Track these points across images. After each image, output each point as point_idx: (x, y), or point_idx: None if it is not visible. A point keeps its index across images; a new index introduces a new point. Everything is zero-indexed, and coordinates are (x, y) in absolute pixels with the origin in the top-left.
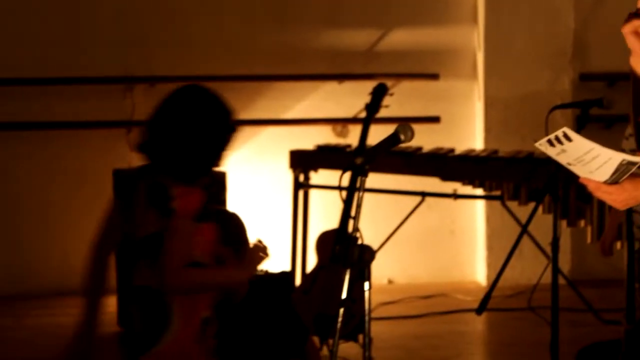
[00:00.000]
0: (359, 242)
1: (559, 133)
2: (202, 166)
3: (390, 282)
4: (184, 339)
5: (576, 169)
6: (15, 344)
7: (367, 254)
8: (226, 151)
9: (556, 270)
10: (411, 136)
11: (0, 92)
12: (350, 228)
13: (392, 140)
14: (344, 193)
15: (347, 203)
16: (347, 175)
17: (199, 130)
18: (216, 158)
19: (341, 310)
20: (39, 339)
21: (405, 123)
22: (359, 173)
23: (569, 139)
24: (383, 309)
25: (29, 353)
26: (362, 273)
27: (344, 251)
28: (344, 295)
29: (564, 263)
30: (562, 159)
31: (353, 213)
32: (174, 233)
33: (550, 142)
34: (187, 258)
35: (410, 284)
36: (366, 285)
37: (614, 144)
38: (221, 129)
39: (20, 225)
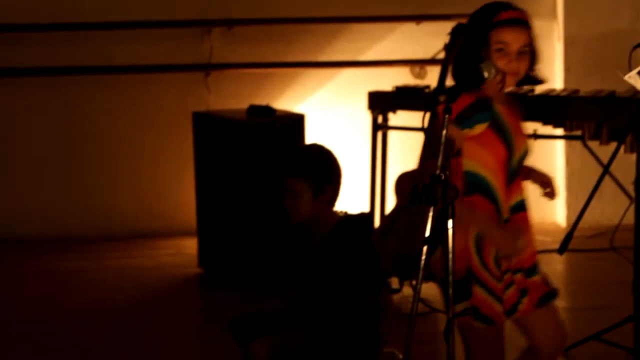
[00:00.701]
0: (443, 179)
1: None
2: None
3: None
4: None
5: None
6: (96, 285)
7: (451, 191)
8: None
9: (639, 210)
10: (495, 74)
11: (79, 36)
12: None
13: (475, 77)
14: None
15: (427, 143)
16: (427, 116)
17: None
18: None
19: (425, 248)
20: (119, 281)
21: (488, 60)
22: (443, 111)
23: None
24: None
25: (109, 294)
26: (445, 210)
27: (428, 189)
28: (427, 233)
29: None
30: None
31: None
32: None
33: None
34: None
35: None
36: (450, 222)
37: None
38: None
39: (101, 168)
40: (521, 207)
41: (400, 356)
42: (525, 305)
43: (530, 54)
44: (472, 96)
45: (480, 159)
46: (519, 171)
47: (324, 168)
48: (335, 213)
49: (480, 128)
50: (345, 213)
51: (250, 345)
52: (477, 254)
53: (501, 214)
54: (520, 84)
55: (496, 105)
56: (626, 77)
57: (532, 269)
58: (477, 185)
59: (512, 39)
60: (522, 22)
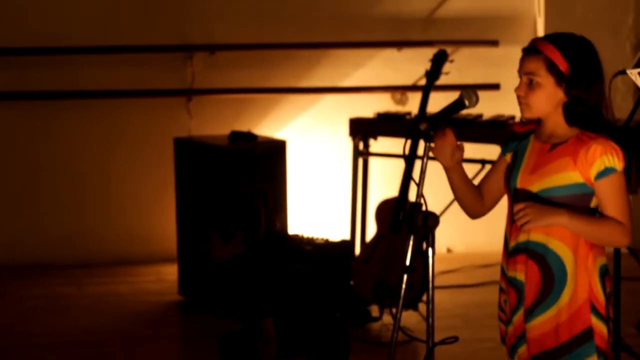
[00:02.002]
0: (423, 208)
1: None
2: None
3: (449, 250)
4: None
5: None
6: (78, 311)
7: (431, 220)
8: None
9: None
10: (476, 101)
11: (60, 60)
12: (411, 195)
13: (456, 105)
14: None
15: (407, 170)
16: (408, 143)
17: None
18: None
19: (405, 277)
20: (101, 307)
21: (469, 88)
22: (424, 139)
23: None
24: (442, 278)
25: (91, 321)
26: (426, 239)
27: (408, 217)
28: (407, 262)
29: None
30: None
31: (417, 179)
32: None
33: None
34: None
35: (469, 253)
36: (430, 251)
37: None
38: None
39: (81, 194)
40: (523, 249)
41: None
42: (524, 353)
43: (567, 87)
44: (525, 127)
45: None
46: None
47: (231, 216)
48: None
49: (508, 157)
50: (327, 240)
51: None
52: None
53: (507, 247)
54: (583, 126)
55: (533, 140)
56: (628, 72)
57: (530, 311)
58: None
59: (520, 68)
60: (531, 50)
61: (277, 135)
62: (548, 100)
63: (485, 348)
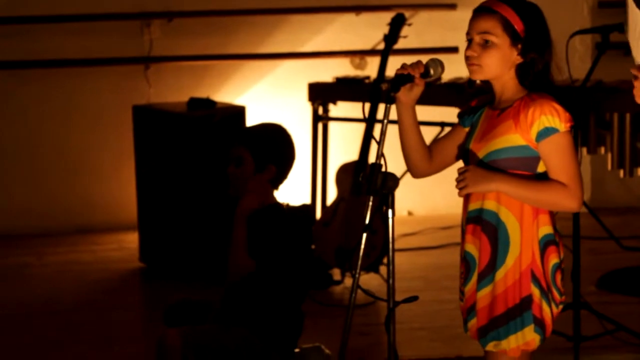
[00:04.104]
0: (383, 169)
1: None
2: None
3: (410, 213)
4: None
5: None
6: (38, 281)
7: (391, 181)
8: None
9: None
10: (441, 72)
11: (15, 30)
12: (371, 158)
13: (421, 74)
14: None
15: (367, 132)
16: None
17: None
18: None
19: (364, 236)
20: (61, 276)
21: (436, 58)
22: (385, 101)
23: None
24: (403, 240)
25: (51, 290)
26: (385, 200)
27: (368, 178)
28: (367, 221)
29: (584, 191)
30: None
31: (377, 140)
32: None
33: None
34: None
35: (429, 215)
36: (390, 212)
37: None
38: None
39: (40, 164)
40: (476, 218)
41: (327, 351)
42: (473, 326)
43: (523, 49)
44: (481, 98)
45: None
46: None
47: (272, 146)
48: (273, 194)
49: (467, 129)
50: (287, 204)
51: (164, 336)
52: None
53: (463, 217)
54: (534, 88)
55: (486, 109)
56: None
57: (479, 281)
58: None
59: (471, 29)
60: (485, 9)
61: (237, 101)
62: (502, 61)
63: (446, 309)
